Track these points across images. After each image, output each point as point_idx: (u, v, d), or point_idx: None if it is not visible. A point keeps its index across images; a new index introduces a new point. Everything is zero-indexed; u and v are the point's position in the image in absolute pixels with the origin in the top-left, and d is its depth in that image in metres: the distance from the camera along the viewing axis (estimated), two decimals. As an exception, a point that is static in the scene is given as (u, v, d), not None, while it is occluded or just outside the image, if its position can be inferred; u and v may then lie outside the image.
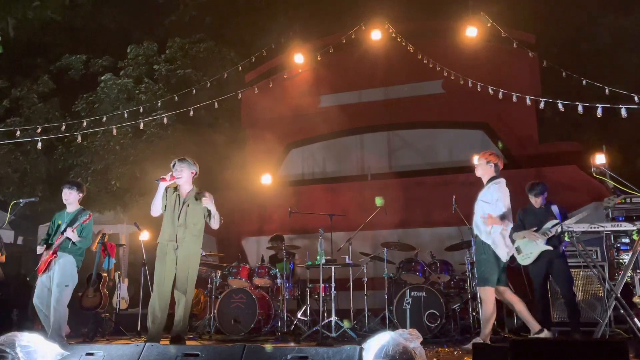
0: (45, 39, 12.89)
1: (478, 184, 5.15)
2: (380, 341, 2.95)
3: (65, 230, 5.13)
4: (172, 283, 4.90)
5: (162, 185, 4.90)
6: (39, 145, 8.06)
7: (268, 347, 3.01)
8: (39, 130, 8.25)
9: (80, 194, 5.41)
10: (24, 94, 11.55)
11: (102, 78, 11.08)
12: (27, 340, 3.23)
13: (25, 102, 11.48)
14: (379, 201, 7.99)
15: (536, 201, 5.46)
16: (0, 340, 3.19)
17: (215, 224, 5.07)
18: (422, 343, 3.03)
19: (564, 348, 2.58)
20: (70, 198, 5.36)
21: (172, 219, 4.97)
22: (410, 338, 2.91)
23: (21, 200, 5.59)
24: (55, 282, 5.02)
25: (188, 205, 4.99)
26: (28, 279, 5.37)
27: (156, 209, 4.98)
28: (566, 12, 11.59)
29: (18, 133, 7.89)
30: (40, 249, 5.21)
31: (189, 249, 4.94)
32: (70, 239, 5.11)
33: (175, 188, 5.08)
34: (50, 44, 12.95)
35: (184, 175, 5.01)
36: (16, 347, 3.16)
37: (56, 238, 5.16)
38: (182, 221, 4.94)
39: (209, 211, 5.03)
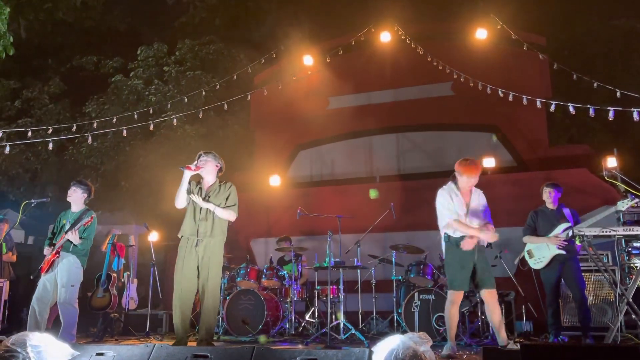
0: (57, 40, 13.02)
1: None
2: (390, 344, 2.93)
3: (68, 231, 5.14)
4: (194, 281, 4.70)
5: (187, 174, 4.71)
6: (50, 146, 8.11)
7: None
8: (50, 131, 8.30)
9: (85, 195, 5.35)
10: (35, 95, 11.67)
11: (113, 79, 11.17)
12: (37, 340, 3.23)
13: (36, 103, 11.61)
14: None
15: (550, 194, 5.41)
16: (11, 340, 3.19)
17: (228, 215, 4.84)
18: (431, 347, 3.01)
19: (577, 353, 2.55)
20: (74, 197, 5.32)
21: (193, 213, 4.78)
22: (420, 341, 2.89)
23: (32, 201, 5.59)
24: (61, 283, 5.02)
25: (210, 199, 4.81)
26: (32, 277, 5.37)
27: (181, 200, 4.75)
28: (577, 15, 11.53)
29: (29, 134, 7.94)
30: (47, 250, 5.20)
31: (210, 245, 4.74)
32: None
33: (199, 181, 4.90)
34: (61, 45, 13.07)
35: (207, 167, 4.85)
36: (27, 346, 3.16)
37: (60, 238, 5.16)
38: (203, 215, 4.75)
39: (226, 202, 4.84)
